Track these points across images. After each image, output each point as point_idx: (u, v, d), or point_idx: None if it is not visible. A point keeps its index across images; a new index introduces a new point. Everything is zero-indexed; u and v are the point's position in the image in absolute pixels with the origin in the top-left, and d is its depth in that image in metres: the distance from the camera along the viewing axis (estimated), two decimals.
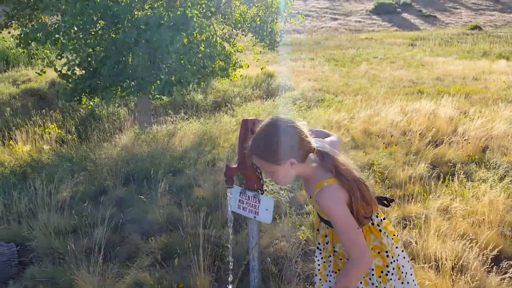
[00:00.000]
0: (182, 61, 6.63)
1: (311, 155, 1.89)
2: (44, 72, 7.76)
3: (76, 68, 6.92)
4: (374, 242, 2.06)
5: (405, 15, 34.85)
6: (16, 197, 4.50)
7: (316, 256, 2.29)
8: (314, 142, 1.90)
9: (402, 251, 2.12)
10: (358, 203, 1.86)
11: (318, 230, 2.25)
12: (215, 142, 6.61)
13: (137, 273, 3.33)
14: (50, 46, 7.88)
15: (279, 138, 1.82)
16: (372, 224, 2.05)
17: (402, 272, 2.08)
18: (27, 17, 7.18)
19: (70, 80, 6.93)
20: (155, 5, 7.05)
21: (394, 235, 2.10)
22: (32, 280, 3.37)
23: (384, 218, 2.10)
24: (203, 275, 3.08)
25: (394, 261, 2.06)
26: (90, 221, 4.02)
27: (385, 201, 2.16)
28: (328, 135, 2.19)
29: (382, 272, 2.05)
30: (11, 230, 4.07)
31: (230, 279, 2.41)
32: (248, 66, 9.18)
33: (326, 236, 2.17)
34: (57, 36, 6.28)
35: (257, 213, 2.20)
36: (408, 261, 2.13)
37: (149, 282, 3.23)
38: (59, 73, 6.92)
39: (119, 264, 3.47)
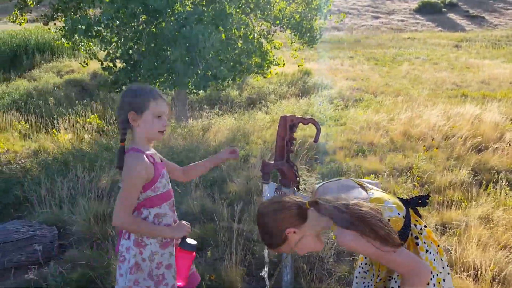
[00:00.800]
0: (220, 57, 6.68)
1: (309, 212, 1.85)
2: (87, 64, 8.00)
3: (117, 60, 7.09)
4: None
5: (450, 15, 33.86)
6: (59, 183, 4.67)
7: (356, 277, 2.23)
8: (303, 198, 1.89)
9: (447, 265, 1.97)
10: (372, 240, 1.70)
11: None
12: (248, 138, 6.63)
13: None
14: (92, 39, 8.09)
15: (266, 225, 1.84)
16: (416, 236, 1.91)
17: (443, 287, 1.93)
18: (72, 10, 7.39)
19: (111, 72, 7.11)
20: (196, 0, 7.12)
21: (438, 245, 1.95)
22: (71, 263, 3.49)
23: (425, 226, 1.94)
24: (235, 269, 3.10)
25: (433, 276, 1.89)
26: None
27: (420, 201, 1.99)
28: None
29: None
30: (53, 214, 4.22)
31: (264, 273, 2.41)
32: (284, 64, 9.13)
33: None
34: (99, 28, 6.44)
35: None
36: (449, 273, 1.97)
37: None
38: (101, 64, 7.12)
39: None
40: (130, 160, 2.02)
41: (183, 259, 2.14)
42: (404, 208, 1.90)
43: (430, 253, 1.89)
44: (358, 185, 1.98)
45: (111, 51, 6.98)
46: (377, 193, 1.89)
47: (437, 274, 1.90)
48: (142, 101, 2.04)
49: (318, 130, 2.26)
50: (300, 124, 2.24)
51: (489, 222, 3.88)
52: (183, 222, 2.18)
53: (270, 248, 1.92)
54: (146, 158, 2.04)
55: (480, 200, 4.26)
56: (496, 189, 4.42)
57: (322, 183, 2.04)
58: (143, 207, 2.08)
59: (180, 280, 2.18)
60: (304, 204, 1.84)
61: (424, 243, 1.90)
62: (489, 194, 4.45)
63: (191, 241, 2.12)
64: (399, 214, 1.84)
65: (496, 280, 3.01)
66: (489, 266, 3.04)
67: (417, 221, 1.95)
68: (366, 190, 1.94)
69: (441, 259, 1.94)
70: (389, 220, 1.77)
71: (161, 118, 2.08)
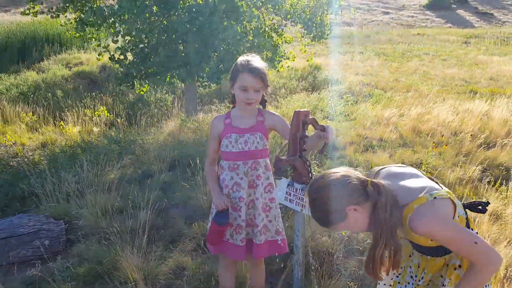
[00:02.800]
0: (231, 48, 6.64)
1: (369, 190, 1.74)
2: (102, 56, 7.97)
3: (128, 52, 7.06)
4: (452, 261, 1.86)
5: (460, 11, 33.53)
6: (66, 176, 4.66)
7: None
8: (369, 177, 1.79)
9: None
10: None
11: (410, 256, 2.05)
12: None
13: (179, 256, 3.38)
14: (105, 30, 8.05)
15: (329, 196, 1.73)
16: None
17: None
18: (83, 1, 7.35)
19: (121, 64, 7.08)
20: None
21: None
22: (78, 257, 3.49)
23: (476, 233, 1.86)
24: (244, 264, 3.08)
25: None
26: (136, 203, 4.11)
27: (480, 207, 1.92)
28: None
29: None
30: (60, 208, 4.21)
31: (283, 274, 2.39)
32: (295, 58, 9.09)
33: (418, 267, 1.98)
34: (112, 19, 6.42)
35: (304, 206, 2.17)
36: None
37: (191, 266, 3.27)
38: (112, 57, 7.08)
39: (162, 247, 3.53)
40: (213, 119, 2.56)
41: (212, 229, 2.44)
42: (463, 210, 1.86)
43: None
44: (425, 177, 1.89)
45: (122, 44, 6.96)
46: (447, 189, 1.81)
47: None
48: (234, 74, 2.36)
49: (325, 144, 2.20)
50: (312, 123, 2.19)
51: (499, 219, 3.83)
52: (225, 198, 2.42)
53: (323, 226, 1.81)
54: (222, 119, 2.49)
55: (489, 196, 4.21)
56: (504, 185, 4.37)
57: (385, 166, 1.94)
58: (221, 157, 2.53)
59: (212, 245, 2.54)
60: (367, 182, 1.73)
61: None
62: (497, 190, 4.41)
63: (221, 217, 2.38)
64: (464, 214, 1.81)
65: (506, 277, 2.97)
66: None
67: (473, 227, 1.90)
68: (437, 183, 1.87)
69: None
70: (458, 217, 1.75)
71: (247, 91, 2.32)
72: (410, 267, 2.03)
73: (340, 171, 1.76)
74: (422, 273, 1.93)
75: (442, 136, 6.12)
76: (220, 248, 2.54)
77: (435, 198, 1.69)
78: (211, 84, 7.44)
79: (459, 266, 1.84)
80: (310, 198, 1.79)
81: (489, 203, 1.95)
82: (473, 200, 1.96)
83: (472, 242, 1.65)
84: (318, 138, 2.20)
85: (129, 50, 6.96)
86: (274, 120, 2.48)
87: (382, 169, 1.92)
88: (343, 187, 1.71)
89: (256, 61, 2.36)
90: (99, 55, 7.94)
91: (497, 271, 1.70)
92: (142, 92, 8.39)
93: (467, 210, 1.91)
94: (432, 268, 1.90)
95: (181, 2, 6.39)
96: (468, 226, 1.82)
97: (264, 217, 2.49)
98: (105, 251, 3.41)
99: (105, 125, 7.90)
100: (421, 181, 1.80)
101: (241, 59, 2.38)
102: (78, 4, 7.08)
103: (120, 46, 6.86)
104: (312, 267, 2.94)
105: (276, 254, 2.57)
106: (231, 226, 2.47)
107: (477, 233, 1.88)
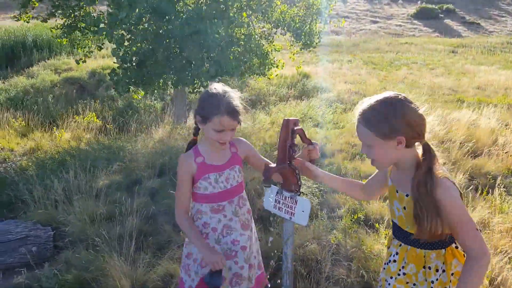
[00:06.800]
0: (225, 53, 6.68)
1: (417, 144, 1.79)
2: (84, 61, 7.95)
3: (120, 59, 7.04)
4: (456, 268, 1.84)
5: (447, 21, 33.96)
6: (54, 182, 4.63)
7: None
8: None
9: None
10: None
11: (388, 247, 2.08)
12: (247, 140, 6.61)
13: (168, 264, 3.37)
14: (92, 36, 8.05)
15: (402, 114, 1.73)
16: (456, 247, 1.86)
17: None
18: (72, 7, 7.35)
19: (125, 71, 7.02)
20: (200, 0, 7.11)
21: None
22: (66, 264, 3.46)
23: None
24: None
25: None
26: (124, 210, 4.09)
27: None
28: None
29: None
30: (48, 214, 4.18)
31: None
32: (284, 65, 9.15)
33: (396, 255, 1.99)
34: (100, 26, 6.41)
35: (293, 214, 2.18)
36: None
37: (179, 274, 3.25)
38: (120, 66, 7.01)
39: (150, 254, 3.52)
40: (180, 158, 2.24)
41: None
42: None
43: None
44: None
45: (117, 48, 6.95)
46: None
47: None
48: (208, 112, 2.08)
49: (313, 161, 2.25)
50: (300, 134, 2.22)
51: (486, 228, 3.88)
52: (220, 257, 2.08)
53: (367, 125, 1.78)
54: (192, 159, 2.19)
55: (476, 205, 4.26)
56: (492, 194, 4.43)
57: None
58: (192, 199, 2.25)
59: None
60: (423, 139, 1.78)
61: None
62: (484, 199, 4.46)
63: (215, 277, 2.05)
64: None
65: (492, 285, 3.01)
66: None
67: None
68: None
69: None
70: None
71: (223, 132, 2.10)
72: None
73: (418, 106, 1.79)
74: (402, 262, 1.94)
75: None
76: None
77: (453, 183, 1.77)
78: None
79: (443, 270, 1.85)
80: (384, 98, 1.79)
81: None
82: None
83: (474, 228, 1.71)
84: (307, 156, 2.22)
85: (122, 58, 6.95)
86: (246, 151, 2.38)
87: None
88: (417, 117, 1.75)
89: (235, 98, 2.12)
90: (80, 60, 7.95)
91: (488, 266, 1.74)
92: (136, 97, 8.37)
93: None
94: (412, 258, 1.91)
95: (176, 7, 6.42)
96: None
97: (256, 254, 2.39)
98: (93, 258, 3.39)
99: (95, 131, 7.86)
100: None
101: (212, 95, 2.09)
102: (66, 9, 7.09)
103: (122, 53, 6.83)
104: (300, 275, 2.96)
105: None
106: (224, 280, 2.19)
107: None
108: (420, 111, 1.77)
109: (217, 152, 2.23)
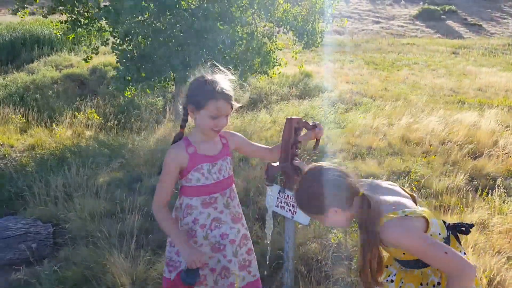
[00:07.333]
0: (227, 51, 6.67)
1: (356, 198, 1.79)
2: (91, 58, 7.93)
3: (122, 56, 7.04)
4: (430, 278, 1.87)
5: (449, 22, 33.95)
6: (54, 179, 4.62)
7: None
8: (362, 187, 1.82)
9: None
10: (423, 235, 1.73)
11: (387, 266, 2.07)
12: (249, 139, 6.60)
13: None
14: (95, 33, 8.05)
15: (320, 189, 1.76)
16: None
17: None
18: (73, 2, 7.33)
19: (129, 68, 7.01)
20: None
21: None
22: (66, 261, 3.45)
23: (464, 253, 1.89)
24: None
25: None
26: (124, 207, 4.09)
27: (463, 228, 1.94)
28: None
29: None
30: (48, 211, 4.17)
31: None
32: (286, 63, 9.15)
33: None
34: (101, 23, 6.40)
35: (295, 213, 2.18)
36: None
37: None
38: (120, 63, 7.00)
39: (151, 252, 3.51)
40: (169, 149, 2.13)
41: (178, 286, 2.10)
42: (446, 231, 1.87)
43: None
44: (408, 195, 1.94)
45: (117, 44, 6.95)
46: (425, 209, 1.83)
47: None
48: (202, 98, 2.02)
49: (318, 141, 2.25)
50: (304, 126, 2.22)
51: (485, 228, 3.88)
52: (200, 253, 2.04)
53: (302, 210, 1.87)
54: (183, 149, 2.09)
55: (476, 206, 4.26)
56: (491, 195, 4.43)
57: (373, 180, 1.99)
58: (181, 194, 2.17)
59: None
60: (358, 193, 1.78)
61: None
62: (484, 200, 4.46)
63: (191, 275, 1.97)
64: (439, 234, 1.82)
65: (491, 286, 3.01)
66: (484, 272, 3.04)
67: (457, 247, 1.91)
68: (415, 203, 1.91)
69: None
70: (431, 235, 1.76)
71: (218, 118, 2.06)
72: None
73: (341, 169, 1.81)
74: (400, 282, 1.95)
75: (431, 146, 6.18)
76: None
77: (406, 215, 1.73)
78: None
79: (438, 283, 1.86)
80: (302, 179, 1.83)
81: (473, 225, 1.99)
82: (457, 222, 2.00)
83: (441, 252, 1.67)
84: (313, 136, 2.23)
85: (121, 52, 6.94)
86: (237, 142, 2.34)
87: (368, 182, 1.96)
88: (336, 187, 1.76)
89: (227, 82, 2.09)
90: (88, 57, 7.92)
91: (473, 280, 1.71)
92: (128, 94, 8.35)
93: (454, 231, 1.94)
94: (409, 278, 1.92)
95: (176, 5, 6.41)
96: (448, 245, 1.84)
97: (244, 253, 2.30)
98: (93, 255, 3.38)
99: (96, 128, 7.85)
100: (399, 199, 1.84)
101: (204, 82, 2.05)
102: (68, 5, 7.07)
103: (122, 49, 6.82)
104: (301, 274, 2.95)
105: None
106: (214, 271, 2.19)
107: (465, 253, 1.90)
108: (342, 175, 1.78)
109: (209, 142, 2.17)
